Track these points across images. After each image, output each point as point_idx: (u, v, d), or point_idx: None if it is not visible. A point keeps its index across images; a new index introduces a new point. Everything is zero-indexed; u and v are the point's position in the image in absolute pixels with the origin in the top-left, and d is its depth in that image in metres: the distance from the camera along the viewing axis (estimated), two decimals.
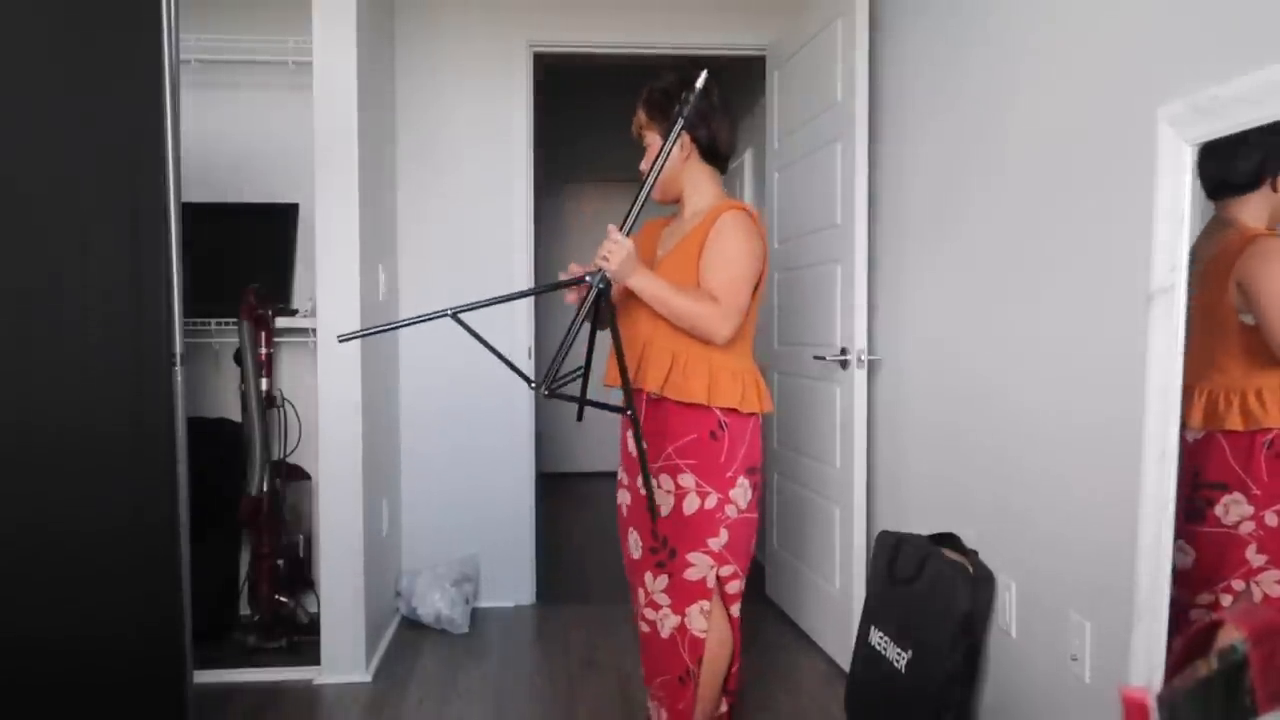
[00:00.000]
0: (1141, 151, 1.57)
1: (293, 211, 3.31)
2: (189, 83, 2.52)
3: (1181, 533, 1.36)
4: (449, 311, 1.88)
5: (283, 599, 3.09)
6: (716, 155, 2.16)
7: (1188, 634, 1.33)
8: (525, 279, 3.56)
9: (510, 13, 3.52)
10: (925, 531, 2.40)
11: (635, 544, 2.20)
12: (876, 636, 2.36)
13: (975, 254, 2.27)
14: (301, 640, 3.01)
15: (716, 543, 2.06)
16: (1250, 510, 1.30)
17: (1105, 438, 1.73)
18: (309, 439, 3.10)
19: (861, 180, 2.74)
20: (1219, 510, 1.33)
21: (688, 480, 2.06)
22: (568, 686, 2.83)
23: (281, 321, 3.12)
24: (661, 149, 1.95)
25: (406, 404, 3.53)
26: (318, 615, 2.91)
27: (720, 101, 2.11)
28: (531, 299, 3.60)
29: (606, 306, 1.94)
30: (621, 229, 1.94)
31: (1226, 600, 1.32)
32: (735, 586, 2.12)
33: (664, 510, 2.08)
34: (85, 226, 1.93)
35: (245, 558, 3.21)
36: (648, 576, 2.13)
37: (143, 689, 2.03)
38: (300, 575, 3.19)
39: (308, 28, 2.77)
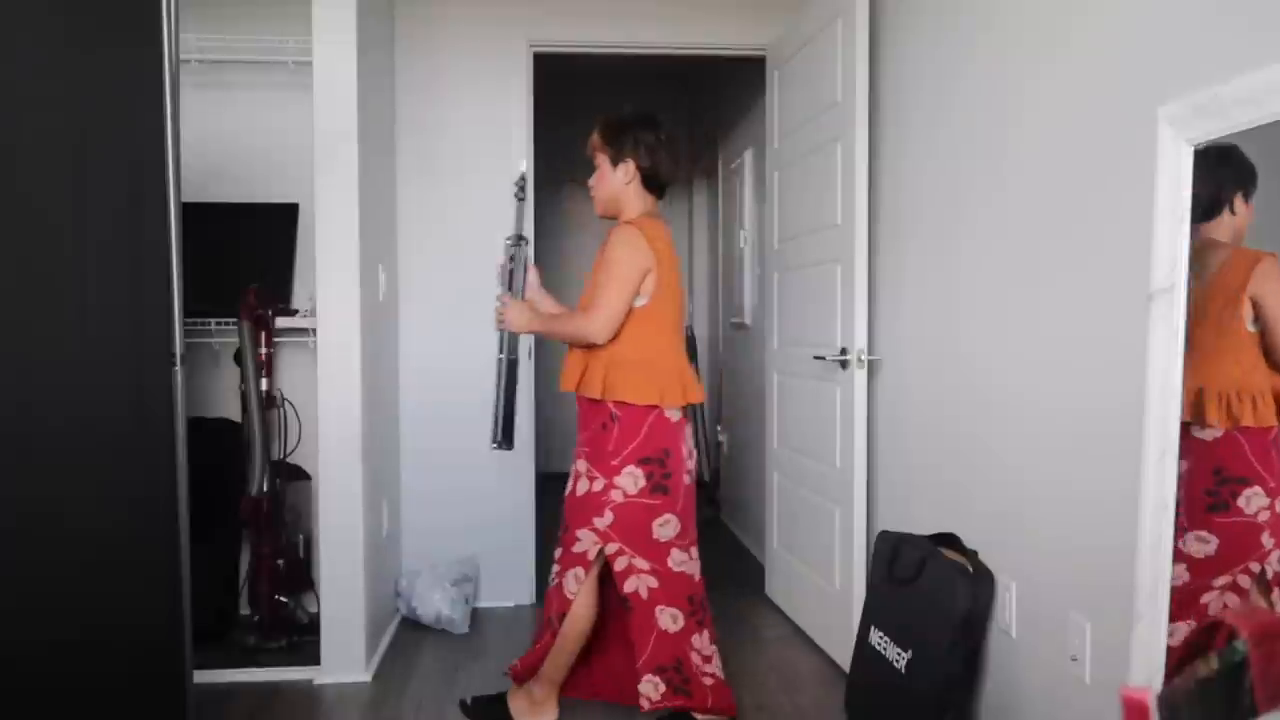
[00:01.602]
0: (1141, 151, 1.57)
1: (293, 211, 3.31)
2: (189, 83, 2.52)
3: (1204, 523, 1.48)
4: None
5: (283, 599, 3.08)
6: (656, 183, 2.43)
7: (1187, 634, 1.34)
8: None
9: (510, 12, 3.52)
10: (925, 531, 2.40)
11: None
12: (876, 637, 2.36)
13: (975, 254, 2.27)
14: (301, 640, 3.01)
15: (601, 522, 2.31)
16: (1267, 501, 1.41)
17: (1105, 437, 1.73)
18: (309, 439, 3.09)
19: (861, 180, 2.75)
20: (1241, 502, 1.43)
21: (582, 466, 2.37)
22: None
23: (281, 321, 3.12)
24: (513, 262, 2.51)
25: (406, 404, 3.53)
26: (318, 615, 2.92)
27: (666, 138, 2.41)
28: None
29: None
30: (511, 293, 2.48)
31: (1245, 581, 1.42)
32: (622, 563, 2.32)
33: (565, 491, 2.42)
34: (85, 226, 1.92)
35: (245, 558, 3.21)
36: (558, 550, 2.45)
37: (143, 688, 2.03)
38: (300, 575, 3.19)
39: (308, 28, 2.77)
